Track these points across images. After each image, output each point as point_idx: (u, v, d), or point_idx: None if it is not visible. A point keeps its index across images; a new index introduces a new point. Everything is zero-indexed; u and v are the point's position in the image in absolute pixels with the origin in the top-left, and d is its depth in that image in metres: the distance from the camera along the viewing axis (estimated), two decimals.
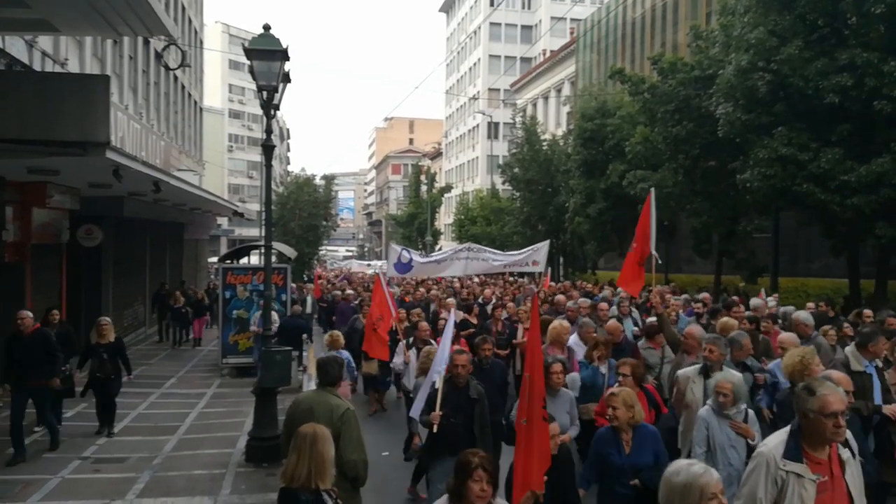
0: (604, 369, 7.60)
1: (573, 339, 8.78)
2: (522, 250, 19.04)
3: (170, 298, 19.71)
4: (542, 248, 17.81)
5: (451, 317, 8.42)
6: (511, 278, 23.94)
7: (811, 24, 14.40)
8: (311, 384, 12.06)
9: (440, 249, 45.47)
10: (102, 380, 9.96)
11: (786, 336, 7.42)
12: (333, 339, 12.13)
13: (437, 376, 6.50)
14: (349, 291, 19.53)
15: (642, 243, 9.67)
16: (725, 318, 8.70)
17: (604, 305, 10.85)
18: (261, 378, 9.24)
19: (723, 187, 18.34)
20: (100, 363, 9.88)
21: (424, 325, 10.03)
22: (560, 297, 13.72)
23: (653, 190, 10.28)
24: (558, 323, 8.66)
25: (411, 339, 10.07)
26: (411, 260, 17.90)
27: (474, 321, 12.80)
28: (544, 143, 32.09)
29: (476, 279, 22.77)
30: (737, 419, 5.39)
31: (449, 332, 7.51)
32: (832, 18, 14.22)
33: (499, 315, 11.84)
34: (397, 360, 10.02)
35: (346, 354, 12.88)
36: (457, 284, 21.49)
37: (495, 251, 19.59)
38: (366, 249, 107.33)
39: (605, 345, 7.84)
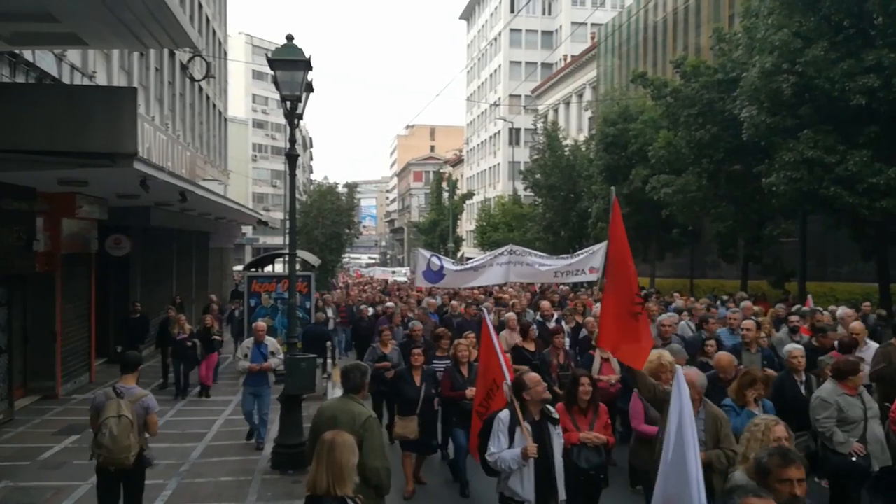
0: (759, 413, 5.39)
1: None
2: (576, 254, 16.35)
3: (134, 321, 14.71)
4: (600, 250, 14.20)
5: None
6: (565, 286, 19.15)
7: (836, 25, 14.22)
8: (335, 391, 12.15)
9: (461, 257, 45.09)
10: None
11: None
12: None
13: None
14: (388, 304, 15.16)
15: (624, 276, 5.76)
16: None
17: (673, 318, 8.72)
18: (286, 386, 9.30)
19: (748, 191, 18.14)
20: None
21: (536, 377, 5.41)
22: None
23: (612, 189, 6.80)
24: (657, 354, 6.03)
25: (515, 405, 5.30)
26: (442, 268, 15.35)
27: (531, 348, 9.14)
28: (566, 149, 31.97)
29: (513, 288, 18.53)
30: None
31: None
32: (858, 19, 14.03)
33: (560, 342, 8.52)
34: (504, 452, 5.07)
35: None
36: (504, 296, 16.65)
37: (542, 255, 16.72)
38: (388, 256, 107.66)
39: (764, 381, 5.95)
